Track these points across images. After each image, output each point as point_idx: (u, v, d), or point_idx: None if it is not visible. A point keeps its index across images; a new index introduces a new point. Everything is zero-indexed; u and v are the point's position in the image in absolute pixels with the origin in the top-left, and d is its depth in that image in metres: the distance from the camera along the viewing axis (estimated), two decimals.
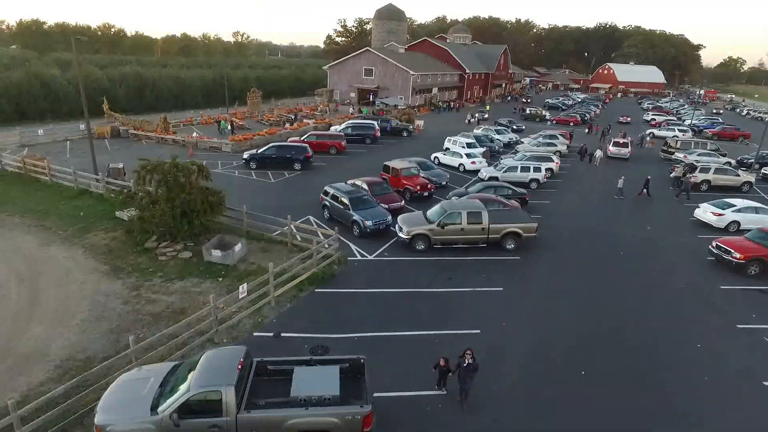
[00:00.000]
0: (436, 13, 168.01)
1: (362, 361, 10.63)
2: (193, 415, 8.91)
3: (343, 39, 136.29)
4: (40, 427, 9.60)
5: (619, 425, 10.95)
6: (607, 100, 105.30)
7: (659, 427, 10.93)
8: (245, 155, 32.49)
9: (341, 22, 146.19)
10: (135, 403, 9.24)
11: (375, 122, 45.02)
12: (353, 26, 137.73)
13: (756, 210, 23.69)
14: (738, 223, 23.37)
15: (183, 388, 9.16)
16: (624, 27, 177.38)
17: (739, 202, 24.25)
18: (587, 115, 67.23)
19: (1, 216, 21.88)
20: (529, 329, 14.65)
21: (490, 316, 15.29)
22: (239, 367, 9.52)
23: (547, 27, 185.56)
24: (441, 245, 19.95)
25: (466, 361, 10.73)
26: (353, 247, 19.92)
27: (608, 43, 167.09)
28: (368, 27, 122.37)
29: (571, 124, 61.40)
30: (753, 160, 38.16)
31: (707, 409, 11.51)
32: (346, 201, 21.53)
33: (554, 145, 40.69)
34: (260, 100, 56.48)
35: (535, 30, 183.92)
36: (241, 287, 13.84)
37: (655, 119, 65.27)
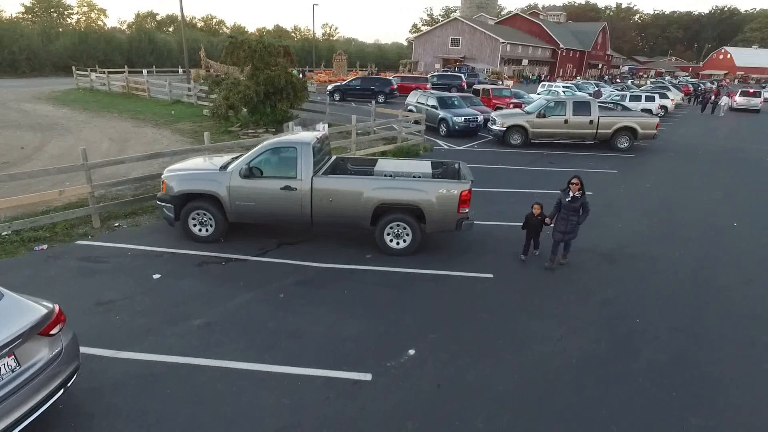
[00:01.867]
0: (528, 1, 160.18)
1: (457, 165, 8.96)
2: (263, 175, 7.80)
3: (429, 28, 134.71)
4: (109, 195, 9.09)
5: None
6: (723, 84, 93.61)
7: None
8: (329, 87, 32.12)
9: (428, 10, 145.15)
10: (204, 165, 8.37)
11: (462, 75, 43.02)
12: (439, 15, 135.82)
13: None
14: None
15: (256, 148, 8.10)
16: (746, 11, 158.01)
17: None
18: (701, 86, 59.73)
19: (103, 113, 23.14)
20: (652, 197, 12.10)
21: (604, 184, 12.94)
22: (318, 136, 8.30)
23: (651, 13, 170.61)
24: (540, 139, 17.66)
25: (571, 194, 7.29)
26: (440, 141, 18.28)
27: (725, 28, 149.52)
28: (455, 14, 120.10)
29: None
30: None
31: None
32: (433, 102, 19.93)
33: (667, 96, 36.00)
34: (345, 63, 56.61)
35: (637, 16, 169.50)
36: (320, 125, 12.71)
37: None
